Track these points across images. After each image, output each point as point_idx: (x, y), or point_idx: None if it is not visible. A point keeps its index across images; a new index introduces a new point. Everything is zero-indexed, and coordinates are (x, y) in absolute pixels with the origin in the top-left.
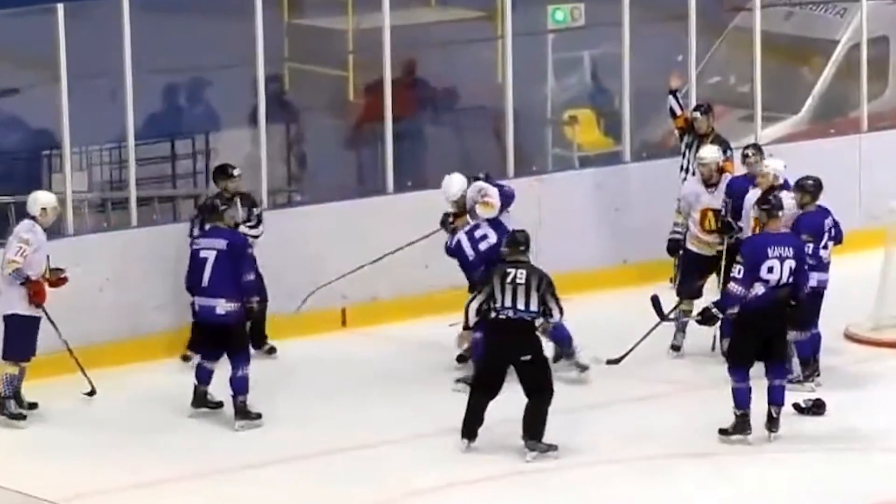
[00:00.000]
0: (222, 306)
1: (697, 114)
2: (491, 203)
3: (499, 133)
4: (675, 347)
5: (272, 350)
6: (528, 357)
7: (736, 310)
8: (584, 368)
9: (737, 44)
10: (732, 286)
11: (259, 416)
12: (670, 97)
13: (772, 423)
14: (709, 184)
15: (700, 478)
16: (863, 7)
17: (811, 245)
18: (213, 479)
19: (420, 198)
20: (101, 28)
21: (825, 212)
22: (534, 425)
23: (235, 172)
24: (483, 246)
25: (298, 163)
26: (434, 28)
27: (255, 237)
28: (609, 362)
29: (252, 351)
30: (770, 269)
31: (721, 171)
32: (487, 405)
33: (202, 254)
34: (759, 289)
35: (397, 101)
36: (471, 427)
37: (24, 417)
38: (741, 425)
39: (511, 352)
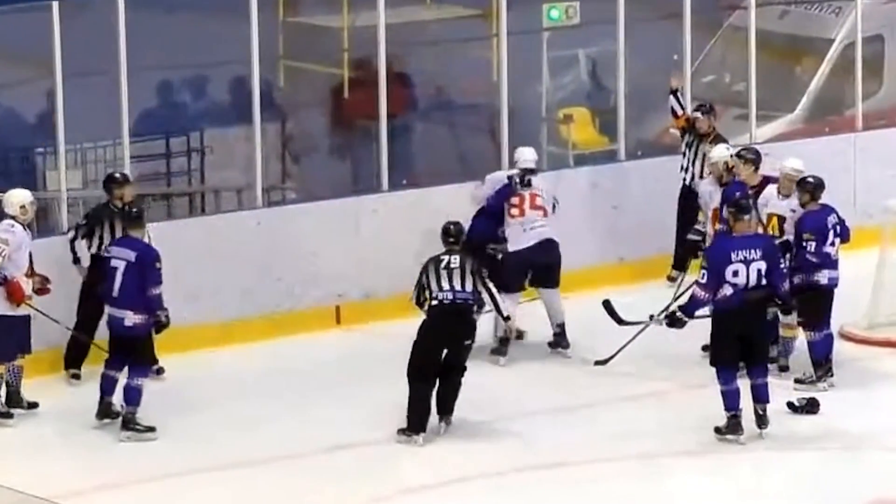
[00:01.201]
0: (130, 318)
1: (699, 114)
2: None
3: (494, 131)
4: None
5: (160, 371)
6: (469, 342)
7: (707, 313)
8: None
9: (732, 42)
10: (696, 290)
11: (149, 429)
12: (671, 97)
13: (760, 420)
14: (721, 183)
15: (695, 476)
16: (857, 6)
17: (813, 243)
18: (207, 476)
19: (414, 196)
20: (95, 25)
21: (828, 210)
22: (451, 401)
23: (131, 178)
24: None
25: (293, 160)
26: (429, 26)
27: None
28: (597, 363)
29: None
30: (735, 273)
31: (731, 169)
32: (431, 394)
33: (113, 262)
34: (727, 290)
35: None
36: (420, 420)
37: (11, 416)
38: (733, 427)
39: (452, 336)
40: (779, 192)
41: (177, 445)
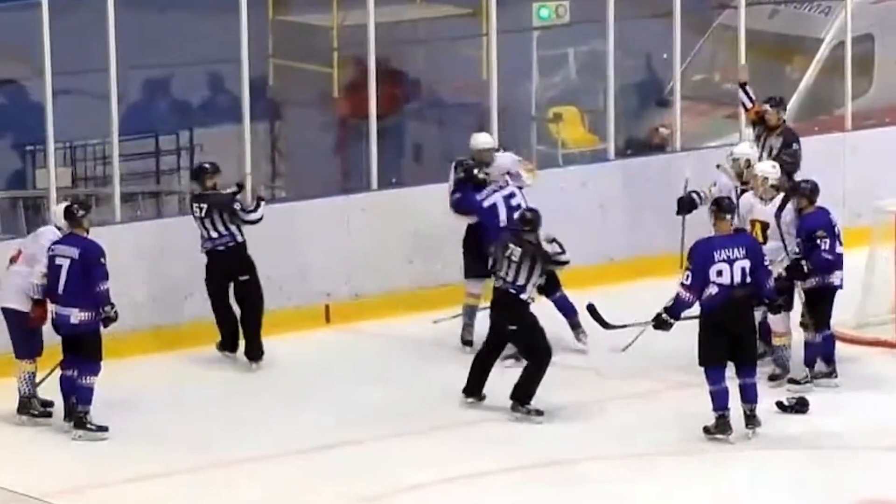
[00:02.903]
0: (76, 316)
1: (767, 106)
2: (534, 170)
3: (483, 130)
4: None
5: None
6: (514, 328)
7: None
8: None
9: (721, 41)
10: (681, 292)
11: (101, 429)
12: (740, 90)
13: (749, 421)
14: (741, 181)
15: (684, 475)
16: (847, 5)
17: (828, 241)
18: (201, 476)
19: (404, 195)
20: (85, 23)
21: (826, 210)
22: (519, 386)
23: (218, 166)
24: (516, 214)
25: (283, 159)
26: (419, 25)
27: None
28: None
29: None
30: (719, 273)
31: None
32: (489, 366)
33: (57, 261)
34: (713, 289)
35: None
36: (472, 384)
37: (49, 415)
38: (721, 426)
39: (499, 319)
40: (760, 198)
41: (169, 445)
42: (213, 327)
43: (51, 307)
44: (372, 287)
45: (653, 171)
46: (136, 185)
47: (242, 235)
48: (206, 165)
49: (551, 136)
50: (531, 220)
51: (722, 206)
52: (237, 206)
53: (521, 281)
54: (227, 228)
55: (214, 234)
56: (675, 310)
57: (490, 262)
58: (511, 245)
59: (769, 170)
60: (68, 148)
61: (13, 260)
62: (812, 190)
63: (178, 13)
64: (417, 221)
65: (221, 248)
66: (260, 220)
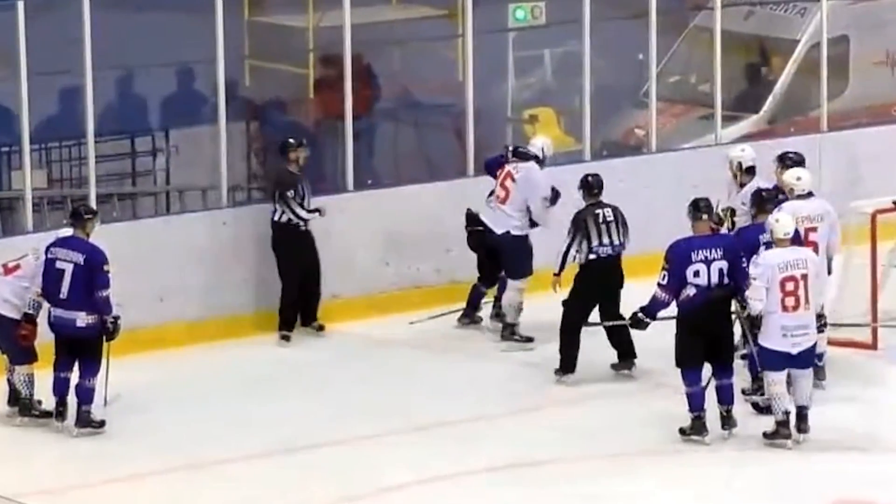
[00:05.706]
0: (82, 319)
1: None
2: None
3: (459, 131)
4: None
5: (321, 328)
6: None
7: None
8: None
9: (697, 43)
10: (658, 292)
11: (102, 423)
12: None
13: (725, 421)
14: (739, 183)
15: (662, 476)
16: (823, 6)
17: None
18: (182, 474)
19: (380, 195)
20: (61, 24)
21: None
22: (631, 346)
23: (304, 141)
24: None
25: (258, 160)
26: (395, 26)
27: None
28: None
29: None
30: (696, 273)
31: (749, 170)
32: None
33: (59, 264)
34: (690, 290)
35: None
36: (572, 361)
37: (50, 415)
38: (698, 427)
39: (611, 287)
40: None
41: (151, 445)
42: (188, 329)
43: (49, 309)
44: (349, 288)
45: (628, 172)
46: (112, 187)
47: (285, 217)
48: (291, 141)
49: (527, 137)
50: (598, 184)
51: (699, 207)
52: (290, 193)
53: (621, 239)
54: (275, 204)
55: (273, 207)
56: (651, 309)
57: (577, 243)
58: (597, 210)
59: (794, 180)
60: (43, 149)
61: (7, 270)
62: (764, 200)
63: (153, 14)
64: (394, 223)
65: (271, 221)
66: (303, 219)
